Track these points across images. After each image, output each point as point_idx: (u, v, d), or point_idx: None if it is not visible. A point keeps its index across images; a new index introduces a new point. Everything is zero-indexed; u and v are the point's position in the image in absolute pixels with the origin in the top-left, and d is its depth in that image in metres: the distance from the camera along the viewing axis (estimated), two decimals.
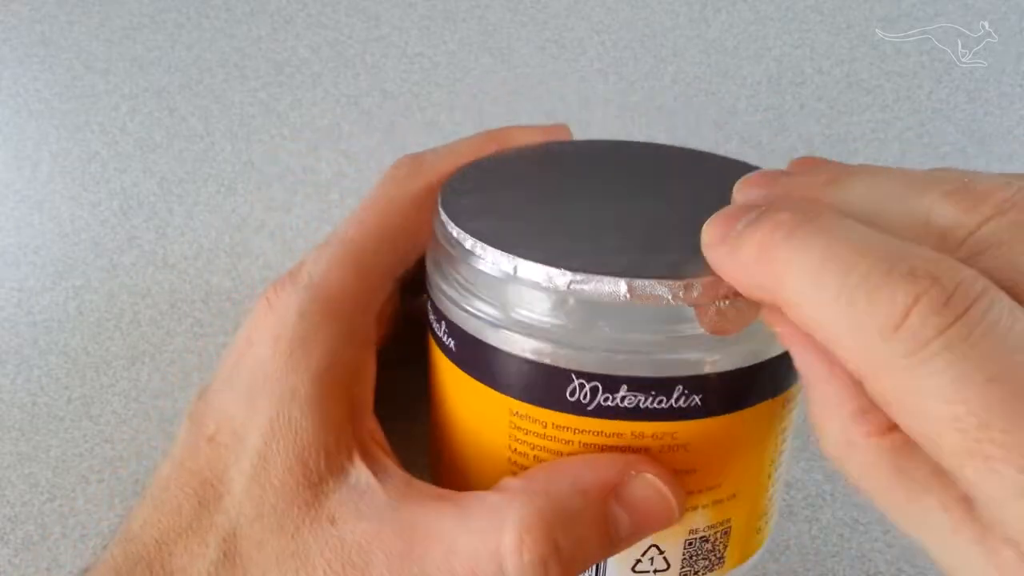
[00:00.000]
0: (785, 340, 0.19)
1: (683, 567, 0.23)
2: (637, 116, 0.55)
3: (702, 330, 0.20)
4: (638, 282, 0.19)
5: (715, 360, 0.20)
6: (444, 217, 0.23)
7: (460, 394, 0.24)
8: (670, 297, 0.19)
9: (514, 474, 0.23)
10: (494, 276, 0.21)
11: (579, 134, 0.56)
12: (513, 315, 0.21)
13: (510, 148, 0.30)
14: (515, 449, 0.23)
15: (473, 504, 0.23)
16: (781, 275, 0.16)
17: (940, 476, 0.16)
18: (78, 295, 0.46)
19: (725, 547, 0.23)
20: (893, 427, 0.17)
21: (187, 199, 0.50)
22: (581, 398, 0.21)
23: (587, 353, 0.20)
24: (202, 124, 0.53)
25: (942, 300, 0.14)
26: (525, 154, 0.29)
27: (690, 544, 0.23)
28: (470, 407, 0.24)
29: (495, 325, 0.21)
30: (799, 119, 0.56)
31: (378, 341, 0.30)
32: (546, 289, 0.20)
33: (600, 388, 0.20)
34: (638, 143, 0.29)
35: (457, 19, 0.60)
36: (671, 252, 0.20)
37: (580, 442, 0.21)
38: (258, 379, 0.26)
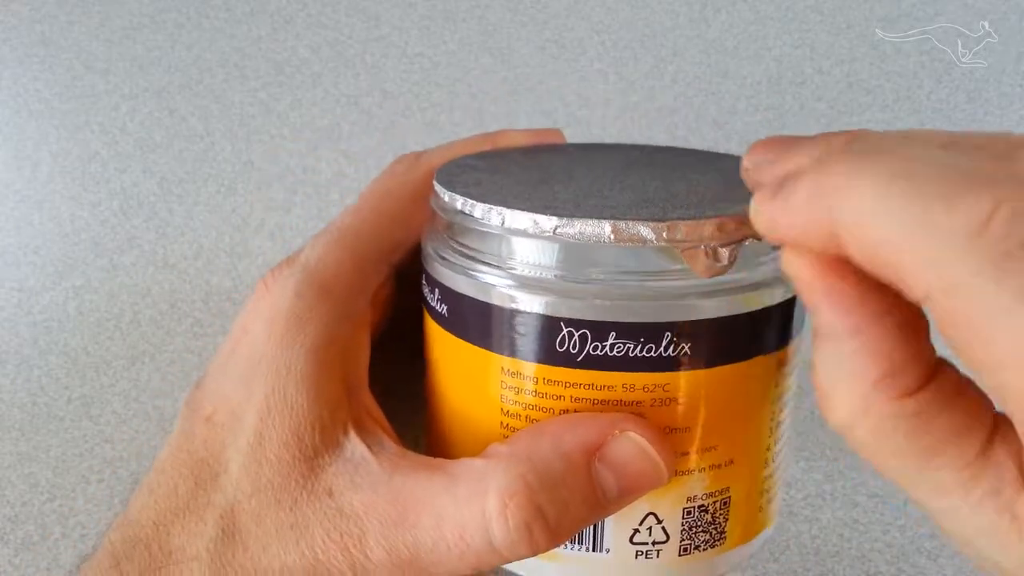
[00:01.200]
0: (809, 290, 0.17)
1: (682, 539, 0.23)
2: (637, 116, 0.55)
3: (690, 276, 0.20)
4: (622, 223, 0.20)
5: (704, 305, 0.20)
6: (437, 187, 0.23)
7: (453, 362, 0.24)
8: (653, 237, 0.19)
9: (505, 438, 0.23)
10: (483, 231, 0.21)
11: (579, 133, 0.56)
12: (503, 269, 0.21)
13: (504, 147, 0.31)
14: (507, 411, 0.23)
15: (460, 471, 0.23)
16: (839, 198, 0.15)
17: (956, 438, 0.16)
18: (78, 295, 0.46)
19: (726, 520, 0.23)
20: (918, 388, 0.16)
21: (187, 199, 0.50)
22: (571, 348, 0.21)
23: (575, 301, 0.21)
24: (202, 124, 0.54)
25: None
26: (517, 149, 0.30)
27: (688, 513, 0.23)
28: (463, 373, 0.24)
29: (485, 282, 0.21)
30: (799, 119, 0.56)
31: (373, 324, 0.31)
32: (533, 236, 0.20)
33: (589, 336, 0.21)
34: (631, 144, 0.30)
35: (457, 19, 0.60)
36: (656, 206, 0.21)
37: (572, 396, 0.21)
38: (255, 360, 0.26)
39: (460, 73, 0.57)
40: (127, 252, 0.48)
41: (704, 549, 0.23)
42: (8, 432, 0.44)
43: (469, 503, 0.22)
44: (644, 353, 0.21)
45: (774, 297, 0.21)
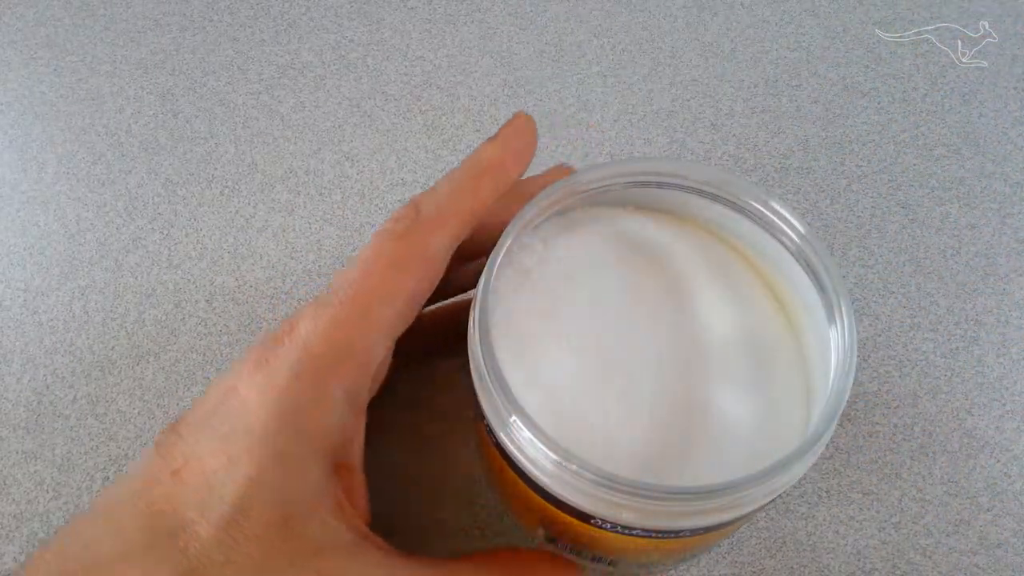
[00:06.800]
0: None
1: None
2: (635, 118, 0.56)
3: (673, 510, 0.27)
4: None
5: (690, 524, 0.28)
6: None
7: (499, 465, 0.30)
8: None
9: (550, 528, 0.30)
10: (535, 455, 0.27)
11: (579, 134, 0.56)
12: (539, 465, 0.27)
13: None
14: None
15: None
16: None
17: None
18: (84, 295, 0.47)
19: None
20: None
21: (191, 200, 0.50)
22: (599, 524, 0.28)
23: (605, 508, 0.27)
24: (206, 126, 0.54)
25: None
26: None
27: None
28: (508, 477, 0.30)
29: (533, 470, 0.28)
30: (795, 121, 0.56)
31: (371, 397, 0.30)
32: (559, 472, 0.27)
33: (618, 526, 0.28)
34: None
35: (457, 23, 0.61)
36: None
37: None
38: (239, 430, 0.25)
39: (460, 76, 0.57)
40: (132, 252, 0.48)
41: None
42: (14, 431, 0.44)
43: None
44: (649, 535, 0.28)
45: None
